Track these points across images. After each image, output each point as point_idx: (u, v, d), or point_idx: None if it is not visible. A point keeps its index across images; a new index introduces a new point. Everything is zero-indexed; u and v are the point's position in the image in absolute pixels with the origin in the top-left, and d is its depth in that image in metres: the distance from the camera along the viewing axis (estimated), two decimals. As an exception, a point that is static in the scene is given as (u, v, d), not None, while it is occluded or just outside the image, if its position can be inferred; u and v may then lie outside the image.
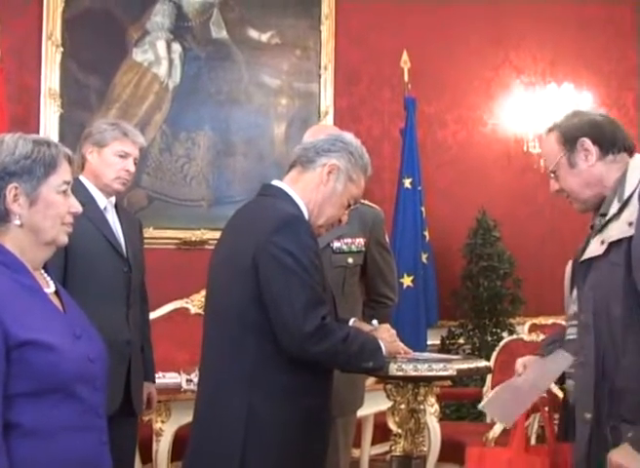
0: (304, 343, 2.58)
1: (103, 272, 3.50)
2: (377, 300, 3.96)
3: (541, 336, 5.22)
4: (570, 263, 2.80)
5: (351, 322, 3.01)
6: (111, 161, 3.61)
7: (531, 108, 6.61)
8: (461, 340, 6.29)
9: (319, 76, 6.23)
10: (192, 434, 2.79)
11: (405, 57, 6.22)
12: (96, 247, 3.46)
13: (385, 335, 2.86)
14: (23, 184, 2.07)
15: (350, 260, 3.77)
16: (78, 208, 2.18)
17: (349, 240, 3.76)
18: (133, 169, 3.67)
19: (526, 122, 6.59)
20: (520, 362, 2.87)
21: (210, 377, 2.77)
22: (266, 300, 2.61)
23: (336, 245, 3.74)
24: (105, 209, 3.63)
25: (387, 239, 4.03)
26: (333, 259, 3.72)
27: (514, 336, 5.88)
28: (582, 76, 6.82)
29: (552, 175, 2.71)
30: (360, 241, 3.79)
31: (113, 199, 3.70)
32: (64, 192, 2.14)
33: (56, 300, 2.15)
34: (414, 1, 6.47)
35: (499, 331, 6.22)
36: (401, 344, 2.94)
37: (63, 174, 2.14)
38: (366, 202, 3.91)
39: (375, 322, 3.04)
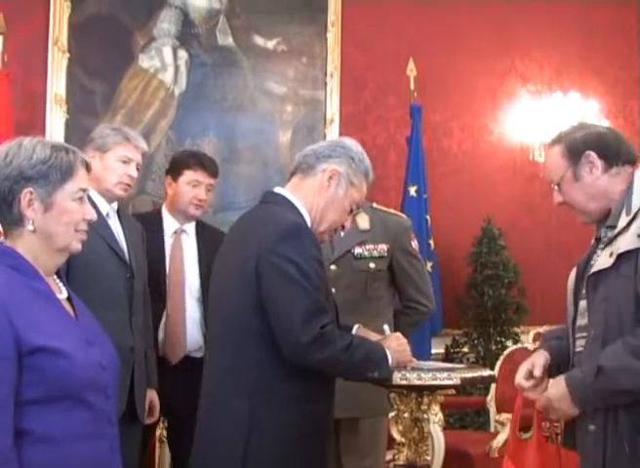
0: (304, 352, 2.58)
1: (106, 278, 3.50)
2: (409, 306, 4.05)
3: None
4: (573, 273, 2.79)
5: (355, 328, 3.00)
6: (113, 166, 3.62)
7: (537, 117, 6.61)
8: (466, 349, 6.27)
9: (325, 83, 6.23)
10: (195, 440, 2.79)
11: (411, 64, 6.22)
12: (98, 253, 3.46)
13: (394, 344, 2.84)
14: (39, 189, 2.07)
15: (372, 265, 3.89)
16: (93, 215, 2.18)
17: (371, 246, 3.89)
18: (135, 174, 3.69)
19: (532, 130, 6.58)
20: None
21: (212, 383, 2.77)
22: (268, 309, 2.61)
23: (357, 251, 3.89)
24: (108, 215, 3.64)
25: (415, 246, 4.10)
26: (354, 265, 3.88)
27: (519, 345, 5.87)
28: (588, 85, 6.82)
29: (556, 187, 2.71)
30: (383, 247, 3.91)
31: (115, 205, 3.71)
32: (80, 199, 2.14)
33: (68, 307, 2.15)
34: (420, 9, 6.47)
35: (503, 339, 6.20)
36: (410, 354, 2.89)
37: (80, 181, 2.14)
38: (391, 210, 4.12)
39: (386, 328, 3.02)
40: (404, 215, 4.18)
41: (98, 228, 3.47)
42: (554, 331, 2.89)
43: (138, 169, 3.72)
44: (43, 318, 2.02)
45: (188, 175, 4.09)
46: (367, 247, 3.89)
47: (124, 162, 3.65)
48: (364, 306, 3.80)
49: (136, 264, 3.64)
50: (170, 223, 4.14)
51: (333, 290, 3.80)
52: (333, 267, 3.88)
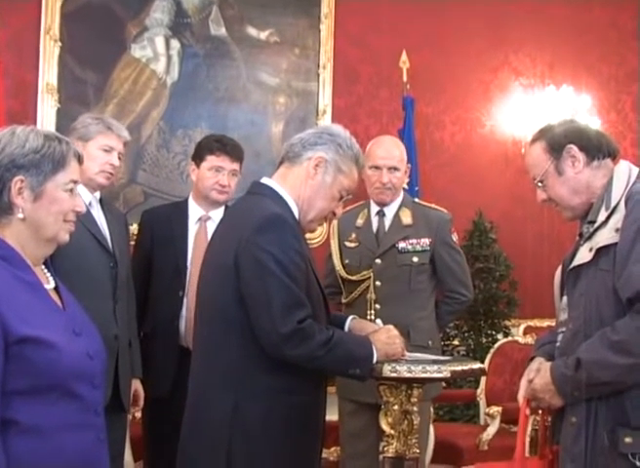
0: (281, 346, 2.56)
1: (89, 267, 3.50)
2: (449, 296, 4.23)
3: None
4: (559, 270, 2.80)
5: (349, 320, 2.98)
6: (95, 155, 3.63)
7: (529, 110, 6.61)
8: (457, 342, 6.27)
9: (318, 75, 6.23)
10: (182, 431, 2.78)
11: (404, 57, 6.21)
12: (81, 242, 3.44)
13: (384, 337, 2.80)
14: (30, 178, 2.07)
15: (415, 259, 4.05)
16: (82, 207, 2.19)
17: (414, 240, 4.06)
18: (117, 163, 3.70)
19: (524, 124, 6.58)
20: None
21: (198, 375, 2.76)
22: (246, 301, 2.59)
23: (401, 245, 4.06)
24: (90, 204, 3.63)
25: (456, 239, 4.24)
26: (398, 258, 4.05)
27: (509, 338, 5.88)
28: (581, 79, 6.82)
29: (540, 184, 2.71)
30: (425, 241, 4.07)
31: (98, 194, 3.71)
32: (71, 190, 2.14)
33: (55, 297, 2.14)
34: (413, 2, 6.46)
35: (494, 332, 6.21)
36: (400, 347, 2.84)
37: (72, 172, 2.14)
38: (432, 205, 4.26)
39: (379, 321, 3.02)
40: (444, 209, 4.27)
41: (81, 218, 3.43)
42: (545, 337, 2.89)
43: (120, 158, 3.73)
44: (31, 308, 2.01)
45: (211, 161, 4.01)
46: (410, 241, 4.05)
47: (106, 151, 3.65)
48: (409, 299, 4.02)
49: (119, 253, 3.64)
50: (195, 210, 4.09)
51: (378, 283, 4.00)
52: (378, 261, 4.07)
